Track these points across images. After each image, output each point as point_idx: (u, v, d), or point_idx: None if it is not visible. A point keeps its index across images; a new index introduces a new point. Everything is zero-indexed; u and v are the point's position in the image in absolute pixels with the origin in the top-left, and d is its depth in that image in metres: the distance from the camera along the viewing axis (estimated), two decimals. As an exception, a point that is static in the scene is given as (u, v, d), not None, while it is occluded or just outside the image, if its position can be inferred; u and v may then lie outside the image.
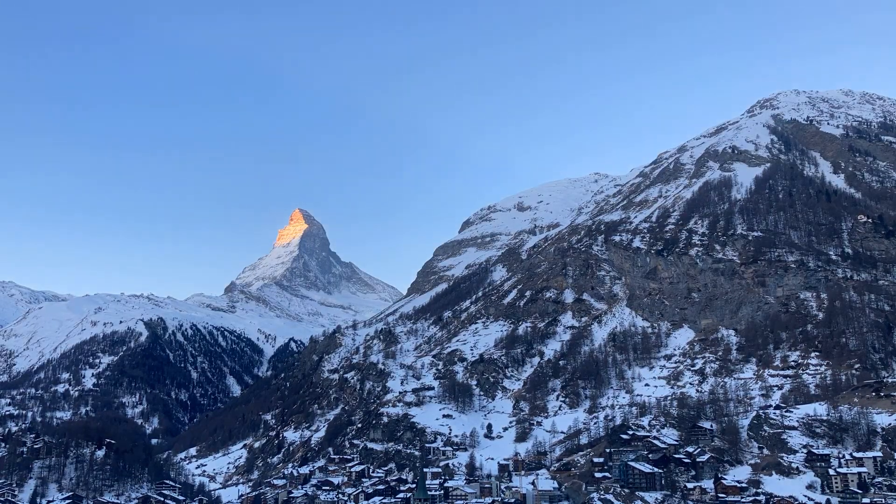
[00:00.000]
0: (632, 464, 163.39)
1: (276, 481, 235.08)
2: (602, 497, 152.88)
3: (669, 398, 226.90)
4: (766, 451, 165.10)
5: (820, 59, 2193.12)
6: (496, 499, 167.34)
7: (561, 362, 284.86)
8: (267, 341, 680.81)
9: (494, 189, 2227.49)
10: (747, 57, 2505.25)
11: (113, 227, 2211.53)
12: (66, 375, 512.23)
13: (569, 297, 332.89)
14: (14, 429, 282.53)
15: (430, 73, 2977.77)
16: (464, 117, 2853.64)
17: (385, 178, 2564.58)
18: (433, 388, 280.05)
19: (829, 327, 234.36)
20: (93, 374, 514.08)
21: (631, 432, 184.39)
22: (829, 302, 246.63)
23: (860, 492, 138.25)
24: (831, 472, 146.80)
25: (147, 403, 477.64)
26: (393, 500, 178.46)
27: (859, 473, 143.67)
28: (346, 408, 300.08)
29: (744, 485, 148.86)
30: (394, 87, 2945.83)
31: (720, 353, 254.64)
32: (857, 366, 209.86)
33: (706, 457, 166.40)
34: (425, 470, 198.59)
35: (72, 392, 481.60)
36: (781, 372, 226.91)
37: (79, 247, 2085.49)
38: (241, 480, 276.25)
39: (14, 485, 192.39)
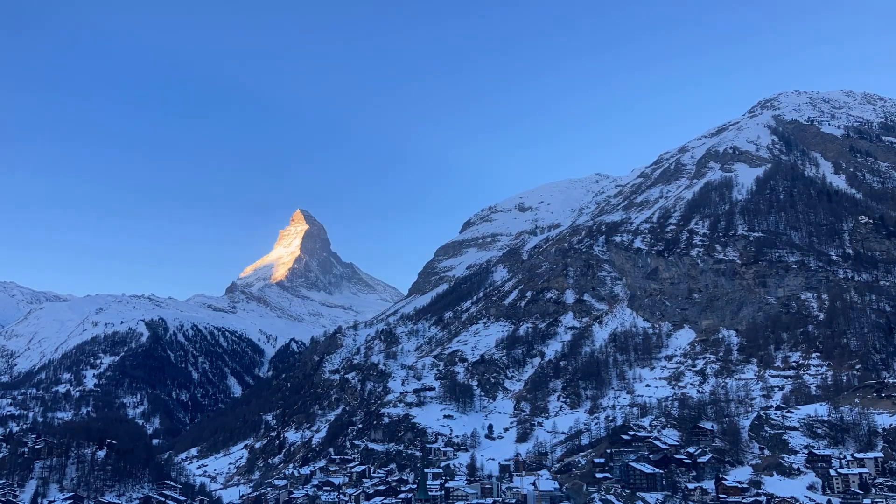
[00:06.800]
0: (633, 464, 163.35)
1: (277, 482, 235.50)
2: (603, 497, 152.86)
3: (670, 399, 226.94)
4: (767, 452, 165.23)
5: (821, 60, 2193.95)
6: (497, 499, 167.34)
7: (562, 363, 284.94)
8: (268, 342, 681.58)
9: (495, 189, 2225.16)
10: (748, 57, 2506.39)
11: (114, 228, 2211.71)
12: (67, 376, 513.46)
13: (570, 297, 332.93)
14: (15, 429, 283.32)
15: (431, 75, 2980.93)
16: (465, 118, 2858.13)
17: (386, 179, 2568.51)
18: (434, 389, 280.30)
19: (830, 328, 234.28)
20: (94, 375, 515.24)
21: (632, 433, 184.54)
22: (830, 302, 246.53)
23: (861, 492, 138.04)
24: (832, 472, 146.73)
25: (148, 404, 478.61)
26: (394, 501, 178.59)
27: (860, 474, 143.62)
28: (347, 408, 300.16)
29: (745, 485, 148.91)
30: (395, 88, 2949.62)
31: (721, 354, 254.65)
32: (858, 366, 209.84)
33: (707, 457, 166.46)
34: (426, 470, 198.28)
35: (73, 392, 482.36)
36: (782, 372, 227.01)
37: (80, 247, 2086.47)
38: (242, 481, 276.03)
39: (15, 485, 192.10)
